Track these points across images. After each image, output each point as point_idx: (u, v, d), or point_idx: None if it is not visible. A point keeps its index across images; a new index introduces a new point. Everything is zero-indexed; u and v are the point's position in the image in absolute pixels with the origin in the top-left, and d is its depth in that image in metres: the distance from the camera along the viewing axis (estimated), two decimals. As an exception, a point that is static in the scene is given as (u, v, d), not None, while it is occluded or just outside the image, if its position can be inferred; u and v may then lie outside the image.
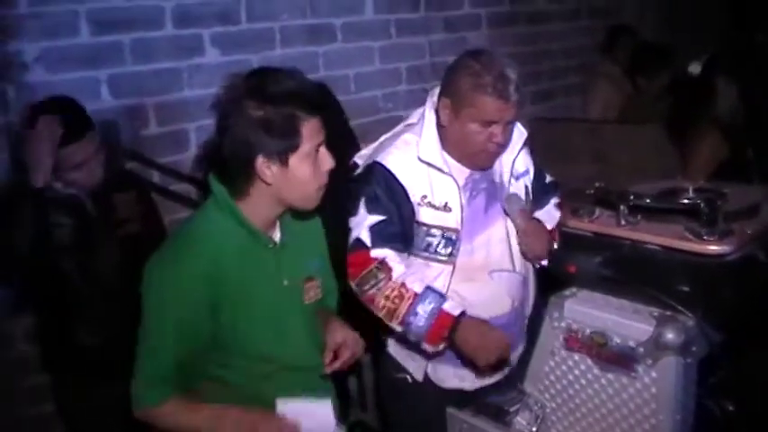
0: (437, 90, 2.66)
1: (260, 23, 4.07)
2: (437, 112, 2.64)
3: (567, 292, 1.70)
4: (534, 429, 1.79)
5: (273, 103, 2.03)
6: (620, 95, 5.45)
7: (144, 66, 3.56)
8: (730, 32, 6.78)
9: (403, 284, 2.41)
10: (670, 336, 1.49)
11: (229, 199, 2.16)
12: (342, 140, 4.13)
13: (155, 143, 3.61)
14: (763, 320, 1.73)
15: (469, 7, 5.31)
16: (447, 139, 2.63)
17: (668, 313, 1.55)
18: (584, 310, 1.64)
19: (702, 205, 1.53)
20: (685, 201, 1.62)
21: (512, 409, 1.94)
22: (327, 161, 2.15)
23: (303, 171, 2.10)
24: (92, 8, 3.39)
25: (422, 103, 4.81)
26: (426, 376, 2.69)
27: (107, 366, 2.92)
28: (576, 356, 1.66)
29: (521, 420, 1.82)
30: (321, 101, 2.16)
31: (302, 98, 2.07)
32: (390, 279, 2.43)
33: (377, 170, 2.59)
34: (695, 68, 4.41)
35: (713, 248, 1.51)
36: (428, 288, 2.38)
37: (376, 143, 2.75)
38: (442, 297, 2.32)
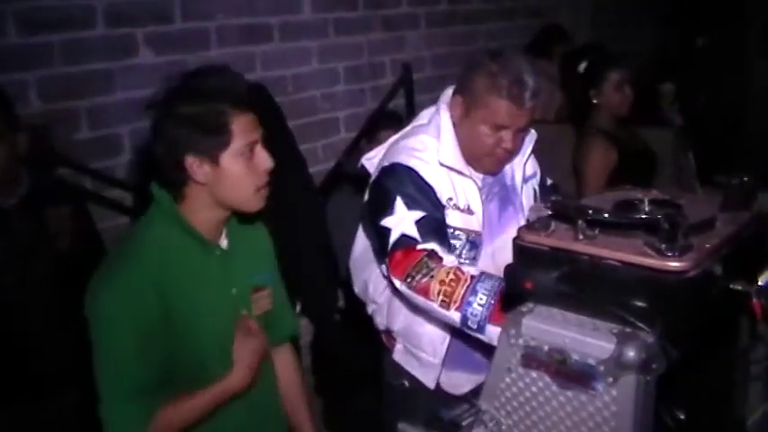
0: (448, 91, 2.63)
1: (195, 23, 4.01)
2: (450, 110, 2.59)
3: (523, 308, 1.65)
4: (490, 447, 1.74)
5: (201, 99, 1.99)
6: (557, 96, 5.49)
7: (75, 67, 3.48)
8: (666, 35, 6.84)
9: (458, 268, 2.32)
10: (631, 354, 1.45)
11: (172, 204, 2.10)
12: (280, 142, 4.07)
13: (87, 148, 3.52)
14: (716, 332, 1.72)
15: (407, 6, 5.29)
16: (457, 139, 2.59)
17: (628, 330, 1.51)
18: (543, 326, 1.59)
19: (662, 220, 1.49)
20: (644, 215, 1.58)
21: (464, 424, 1.91)
22: (265, 160, 2.10)
23: (237, 170, 2.05)
24: (19, 8, 3.30)
25: (360, 103, 4.80)
26: (438, 385, 2.65)
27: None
28: (534, 374, 1.62)
29: (475, 436, 1.77)
30: (253, 97, 2.10)
31: (231, 94, 2.03)
32: (443, 267, 2.33)
33: (403, 171, 2.53)
34: (582, 68, 4.45)
35: (674, 265, 1.47)
36: (484, 273, 2.28)
37: (385, 144, 2.71)
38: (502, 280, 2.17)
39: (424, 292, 2.36)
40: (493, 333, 2.20)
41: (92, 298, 2.07)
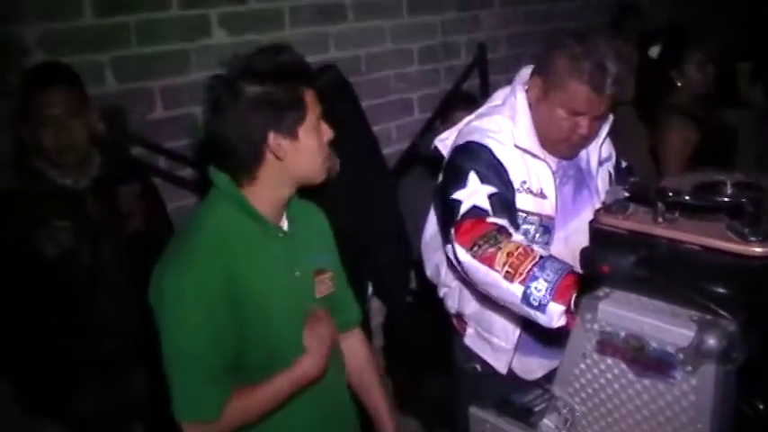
0: (524, 71, 2.57)
1: (268, 3, 4.01)
2: (527, 90, 2.54)
3: (600, 293, 1.61)
4: (563, 433, 1.70)
5: (272, 78, 2.01)
6: (632, 78, 5.37)
7: (149, 48, 3.49)
8: (747, 14, 6.65)
9: (529, 246, 2.24)
10: (712, 342, 1.40)
11: (234, 188, 2.11)
12: (353, 123, 4.05)
13: (161, 127, 3.54)
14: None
15: (482, -15, 5.21)
16: (533, 121, 2.50)
17: (709, 317, 1.45)
18: (619, 312, 1.55)
19: (747, 203, 1.43)
20: (726, 198, 1.52)
21: (536, 410, 1.87)
22: (328, 131, 2.16)
23: (312, 142, 2.09)
24: (96, -11, 3.31)
25: (434, 84, 4.75)
26: (510, 370, 2.60)
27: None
28: (610, 360, 1.58)
29: (548, 423, 1.73)
30: (313, 72, 2.17)
31: (298, 70, 2.07)
32: (513, 241, 2.25)
33: (477, 149, 2.48)
34: (655, 51, 4.35)
35: (758, 250, 1.42)
36: (553, 255, 2.21)
37: (459, 125, 2.67)
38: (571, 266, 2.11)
39: (489, 261, 2.25)
40: (554, 312, 2.11)
41: (158, 285, 2.07)
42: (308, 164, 2.15)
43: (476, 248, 2.31)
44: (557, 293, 2.11)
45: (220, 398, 2.07)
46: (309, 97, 2.10)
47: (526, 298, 2.18)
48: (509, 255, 2.23)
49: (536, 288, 2.15)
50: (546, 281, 2.14)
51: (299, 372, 2.18)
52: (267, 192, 2.15)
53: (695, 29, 5.30)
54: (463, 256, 2.35)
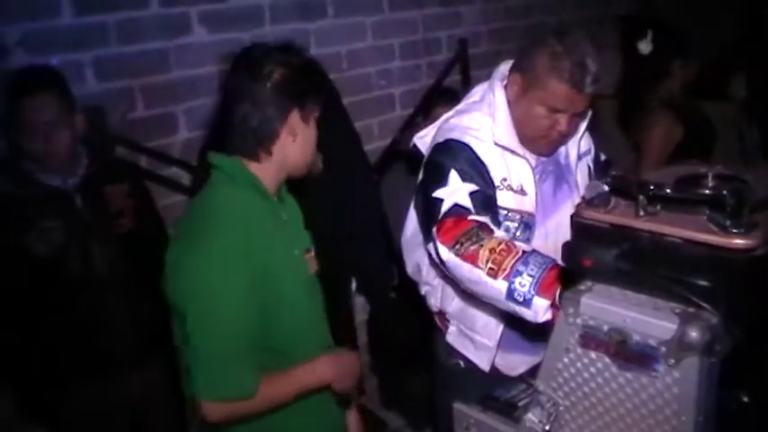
0: (503, 66, 2.56)
1: (248, 0, 3.98)
2: (505, 87, 2.53)
3: (582, 287, 1.61)
4: (547, 428, 1.70)
5: (299, 67, 2.15)
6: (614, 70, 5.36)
7: (130, 47, 3.48)
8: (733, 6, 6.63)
9: (511, 241, 2.24)
10: (695, 335, 1.41)
11: (247, 170, 2.17)
12: (335, 119, 4.04)
13: (143, 127, 3.52)
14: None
15: (463, -20, 5.21)
16: (512, 117, 2.50)
17: (691, 310, 1.46)
18: (602, 305, 1.55)
19: (728, 196, 1.44)
20: (708, 191, 1.53)
21: (520, 404, 1.88)
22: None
23: (313, 133, 2.22)
24: (75, -12, 3.29)
25: (415, 79, 4.73)
26: (494, 366, 2.60)
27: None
28: (593, 354, 1.58)
29: (532, 418, 1.73)
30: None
31: (318, 68, 2.26)
32: (495, 237, 2.26)
33: (457, 146, 2.48)
34: (645, 47, 4.34)
35: (740, 242, 1.42)
36: (536, 250, 2.21)
37: (437, 123, 2.67)
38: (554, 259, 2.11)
39: (472, 259, 2.26)
40: (539, 307, 2.12)
41: (182, 270, 2.09)
42: (305, 152, 2.23)
43: (458, 246, 2.31)
44: (541, 288, 2.11)
45: (256, 377, 2.11)
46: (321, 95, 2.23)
47: (511, 294, 2.18)
48: (492, 251, 2.23)
49: (520, 283, 2.15)
50: (530, 275, 2.14)
51: (314, 377, 2.26)
52: (273, 172, 2.22)
53: (681, 23, 5.29)
54: (446, 254, 2.35)
